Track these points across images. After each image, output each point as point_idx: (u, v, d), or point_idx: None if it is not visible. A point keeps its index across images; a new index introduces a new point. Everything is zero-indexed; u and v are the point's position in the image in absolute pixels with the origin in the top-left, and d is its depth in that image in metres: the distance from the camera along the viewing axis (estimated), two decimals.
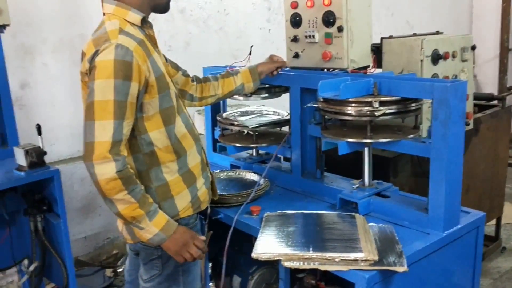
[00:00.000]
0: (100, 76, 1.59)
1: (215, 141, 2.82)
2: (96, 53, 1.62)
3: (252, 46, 2.45)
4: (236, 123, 2.52)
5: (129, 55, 1.60)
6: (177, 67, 2.16)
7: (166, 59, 2.09)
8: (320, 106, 2.06)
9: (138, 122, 1.71)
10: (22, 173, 2.45)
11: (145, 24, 1.78)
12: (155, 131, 1.74)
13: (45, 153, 2.51)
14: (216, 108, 2.77)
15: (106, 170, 1.58)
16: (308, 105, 2.17)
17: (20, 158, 2.47)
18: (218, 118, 2.65)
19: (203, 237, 1.84)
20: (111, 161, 1.58)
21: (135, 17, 1.74)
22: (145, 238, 1.71)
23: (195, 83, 2.21)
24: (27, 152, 2.45)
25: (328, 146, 2.06)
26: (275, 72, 2.29)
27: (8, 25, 2.60)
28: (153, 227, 1.69)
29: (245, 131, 2.55)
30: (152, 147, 1.75)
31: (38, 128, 2.54)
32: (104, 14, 1.79)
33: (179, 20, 4.02)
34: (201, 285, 1.98)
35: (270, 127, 2.53)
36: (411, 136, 1.93)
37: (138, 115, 1.70)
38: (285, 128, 2.54)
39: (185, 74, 2.18)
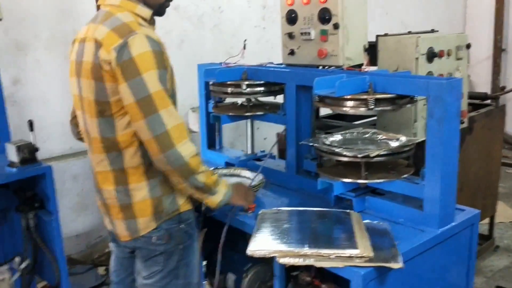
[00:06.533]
0: (146, 69, 1.57)
1: (209, 139, 2.80)
2: (125, 45, 1.56)
3: (245, 40, 2.44)
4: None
5: (159, 45, 1.63)
6: None
7: None
8: (316, 145, 2.04)
9: None
10: (14, 170, 2.42)
11: (153, 21, 1.76)
12: None
13: (37, 149, 2.48)
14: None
15: (190, 148, 1.63)
16: (303, 142, 2.16)
17: (12, 154, 2.44)
18: (211, 88, 2.57)
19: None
20: (188, 140, 1.63)
21: (145, 11, 1.70)
22: (217, 200, 1.77)
23: None
24: (19, 148, 2.42)
25: (324, 184, 2.04)
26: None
27: (0, 19, 2.57)
28: (223, 187, 1.78)
29: (239, 102, 2.51)
30: None
31: (30, 124, 2.50)
32: (99, 6, 1.75)
33: (173, 17, 3.99)
34: (198, 278, 1.96)
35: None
36: (405, 175, 1.95)
37: None
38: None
39: None
